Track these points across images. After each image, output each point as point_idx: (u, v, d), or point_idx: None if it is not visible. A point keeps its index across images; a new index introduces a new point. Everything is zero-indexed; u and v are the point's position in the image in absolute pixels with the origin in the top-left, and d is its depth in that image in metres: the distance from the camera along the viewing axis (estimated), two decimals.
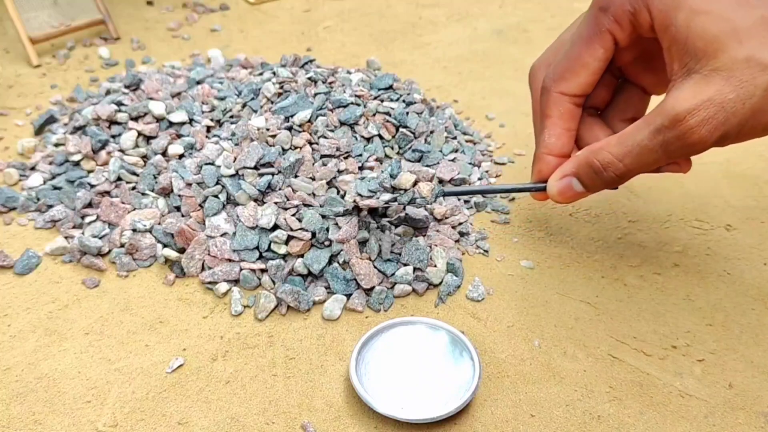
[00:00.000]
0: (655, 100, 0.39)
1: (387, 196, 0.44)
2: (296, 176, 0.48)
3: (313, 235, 0.44)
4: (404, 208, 0.46)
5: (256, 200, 0.46)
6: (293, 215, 0.45)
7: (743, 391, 0.37)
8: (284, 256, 0.44)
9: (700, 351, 0.40)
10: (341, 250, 0.44)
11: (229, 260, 0.45)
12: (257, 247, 0.45)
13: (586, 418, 0.36)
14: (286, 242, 0.44)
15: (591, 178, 0.39)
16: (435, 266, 0.45)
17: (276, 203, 0.46)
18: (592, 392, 0.37)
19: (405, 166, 0.51)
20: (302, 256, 0.44)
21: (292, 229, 0.44)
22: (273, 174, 0.47)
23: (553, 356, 0.40)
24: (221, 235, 0.45)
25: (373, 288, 0.43)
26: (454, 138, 0.56)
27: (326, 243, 0.44)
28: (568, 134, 0.42)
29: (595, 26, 0.38)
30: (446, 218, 0.49)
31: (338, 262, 0.44)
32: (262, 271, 0.44)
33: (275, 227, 0.45)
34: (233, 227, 0.46)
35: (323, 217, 0.45)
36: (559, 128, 0.41)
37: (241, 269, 0.44)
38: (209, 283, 0.44)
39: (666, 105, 0.34)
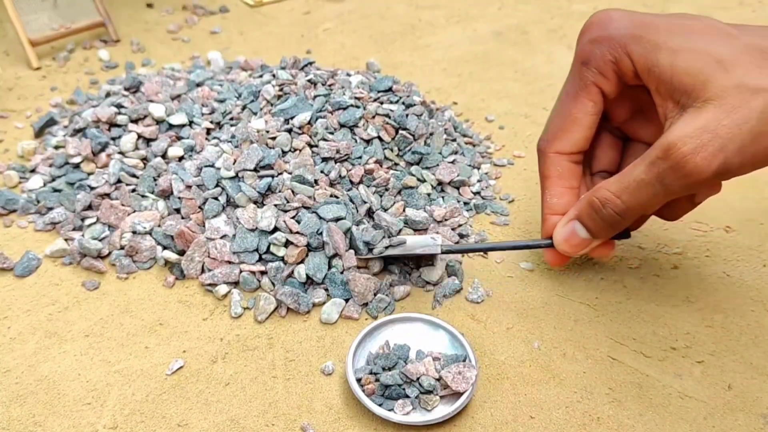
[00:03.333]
0: None
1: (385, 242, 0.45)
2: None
3: (308, 243, 0.44)
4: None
5: (255, 202, 0.46)
6: (293, 217, 0.45)
7: (742, 393, 0.37)
8: (283, 258, 0.44)
9: (699, 352, 0.40)
10: (336, 254, 0.44)
11: (229, 262, 0.45)
12: (257, 249, 0.45)
13: (586, 419, 0.36)
14: (285, 245, 0.44)
15: (592, 218, 0.38)
16: (432, 265, 0.45)
17: (276, 205, 0.46)
18: (591, 394, 0.38)
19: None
20: (302, 262, 0.44)
21: (291, 231, 0.44)
22: (273, 176, 0.47)
23: (552, 358, 0.40)
24: (221, 237, 0.46)
25: (367, 304, 0.43)
26: (454, 140, 0.56)
27: (323, 246, 0.44)
28: (571, 192, 0.41)
29: (580, 81, 0.39)
30: (446, 220, 0.49)
31: (336, 268, 0.44)
32: (262, 273, 0.44)
33: (275, 229, 0.45)
34: (233, 229, 0.46)
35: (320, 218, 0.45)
36: (561, 187, 0.41)
37: (240, 271, 0.45)
38: (209, 285, 0.44)
39: (661, 138, 0.34)
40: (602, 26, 0.37)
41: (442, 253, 0.43)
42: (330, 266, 0.44)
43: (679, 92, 0.34)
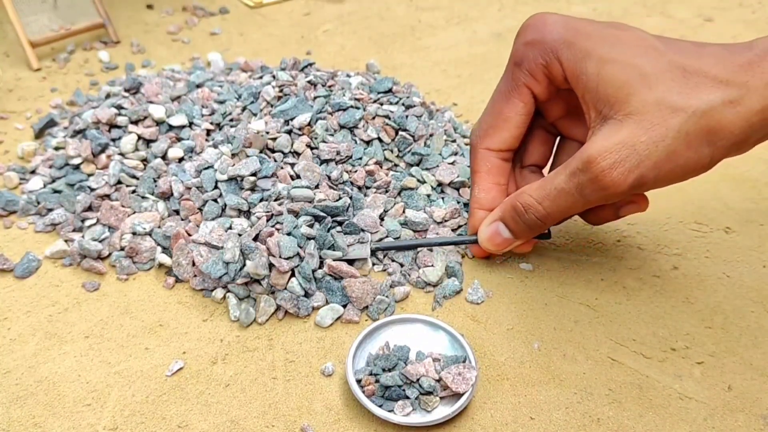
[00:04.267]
0: None
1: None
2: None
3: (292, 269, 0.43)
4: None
5: (241, 212, 0.46)
6: (275, 229, 0.44)
7: (742, 394, 0.37)
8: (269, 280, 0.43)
9: (699, 353, 0.40)
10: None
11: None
12: (225, 275, 0.43)
13: (586, 420, 0.36)
14: (269, 268, 0.42)
15: (515, 221, 0.40)
16: (432, 266, 0.45)
17: (257, 215, 0.45)
18: (591, 395, 0.38)
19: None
20: (286, 287, 0.43)
21: (271, 254, 0.42)
22: (268, 189, 0.46)
23: (552, 359, 0.40)
24: (203, 244, 0.45)
25: (367, 307, 0.43)
26: (454, 141, 0.56)
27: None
28: (498, 188, 0.43)
29: (512, 81, 0.40)
30: (446, 221, 0.49)
31: (330, 275, 0.44)
32: (255, 281, 0.43)
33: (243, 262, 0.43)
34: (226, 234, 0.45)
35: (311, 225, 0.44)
36: (488, 183, 0.43)
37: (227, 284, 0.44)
38: (201, 290, 0.44)
39: (582, 149, 0.35)
40: (537, 30, 0.38)
41: (373, 252, 0.44)
42: (321, 265, 0.44)
43: (603, 102, 0.35)
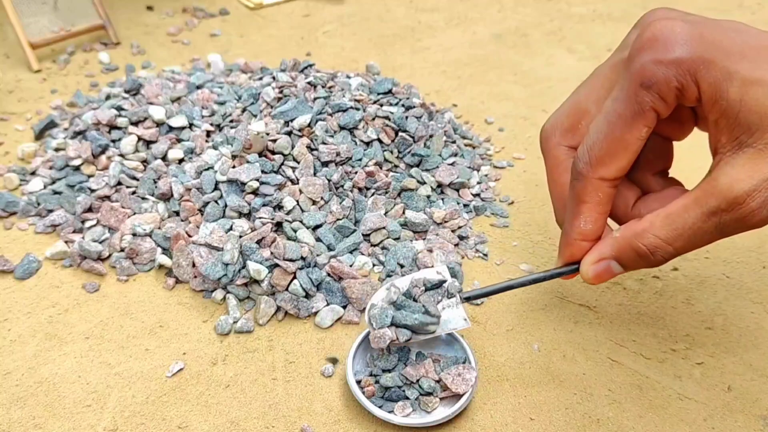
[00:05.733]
0: (678, 147, 0.38)
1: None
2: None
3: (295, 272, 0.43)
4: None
5: (242, 214, 0.46)
6: (275, 233, 0.44)
7: (742, 394, 0.37)
8: (270, 281, 0.43)
9: (699, 354, 0.40)
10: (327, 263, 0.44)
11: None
12: (225, 275, 0.43)
13: (586, 421, 0.36)
14: (271, 269, 0.43)
15: (635, 262, 0.35)
16: (431, 267, 0.45)
17: (261, 218, 0.45)
18: (591, 395, 0.38)
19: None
20: (287, 288, 0.43)
21: (275, 257, 0.43)
22: (272, 193, 0.47)
23: (552, 360, 0.40)
24: (204, 245, 0.45)
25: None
26: (453, 142, 0.57)
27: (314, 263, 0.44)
28: (603, 218, 0.38)
29: (637, 105, 0.34)
30: (446, 222, 0.49)
31: (329, 275, 0.44)
32: (254, 282, 0.44)
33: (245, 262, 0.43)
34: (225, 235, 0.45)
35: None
36: (596, 213, 0.37)
37: (227, 285, 0.44)
38: (201, 291, 0.44)
39: (720, 185, 0.32)
40: (668, 45, 0.33)
41: (464, 301, 0.39)
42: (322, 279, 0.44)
43: (742, 129, 0.31)
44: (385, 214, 0.49)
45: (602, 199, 0.37)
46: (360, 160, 0.51)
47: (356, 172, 0.50)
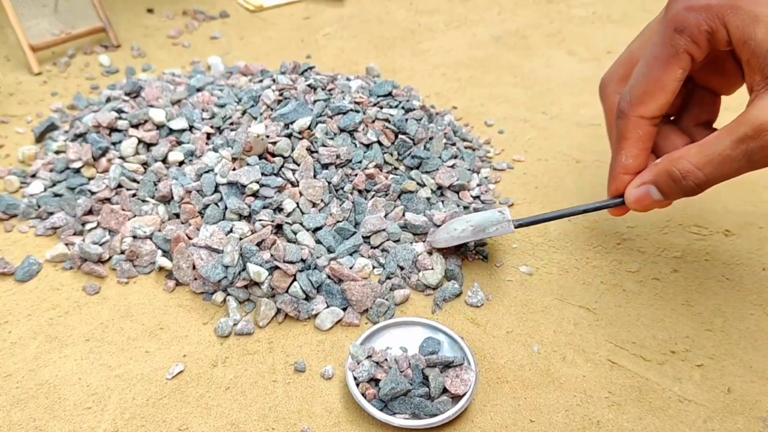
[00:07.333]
0: (725, 101, 0.41)
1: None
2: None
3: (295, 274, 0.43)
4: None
5: (242, 216, 0.46)
6: (275, 237, 0.44)
7: (742, 396, 0.37)
8: (270, 283, 0.43)
9: (698, 356, 0.40)
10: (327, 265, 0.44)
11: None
12: (225, 277, 0.43)
13: (586, 423, 0.36)
14: (271, 271, 0.43)
15: (670, 186, 0.38)
16: (431, 269, 0.45)
17: (261, 221, 0.45)
18: (591, 397, 0.38)
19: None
20: (287, 290, 0.43)
21: (276, 260, 0.43)
22: (272, 195, 0.47)
23: (552, 362, 0.40)
24: (204, 247, 0.45)
25: (367, 310, 0.43)
26: (453, 144, 0.57)
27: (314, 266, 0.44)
28: (645, 153, 0.42)
29: (672, 48, 0.38)
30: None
31: (329, 277, 0.44)
32: (255, 284, 0.44)
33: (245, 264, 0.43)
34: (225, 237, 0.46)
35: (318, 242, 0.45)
36: (636, 149, 0.41)
37: (227, 287, 0.44)
38: (201, 293, 0.44)
39: (750, 115, 0.34)
40: None
41: (516, 227, 0.44)
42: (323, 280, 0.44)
43: None
44: (385, 216, 0.49)
45: (642, 135, 0.41)
46: (360, 162, 0.51)
47: (356, 175, 0.50)
